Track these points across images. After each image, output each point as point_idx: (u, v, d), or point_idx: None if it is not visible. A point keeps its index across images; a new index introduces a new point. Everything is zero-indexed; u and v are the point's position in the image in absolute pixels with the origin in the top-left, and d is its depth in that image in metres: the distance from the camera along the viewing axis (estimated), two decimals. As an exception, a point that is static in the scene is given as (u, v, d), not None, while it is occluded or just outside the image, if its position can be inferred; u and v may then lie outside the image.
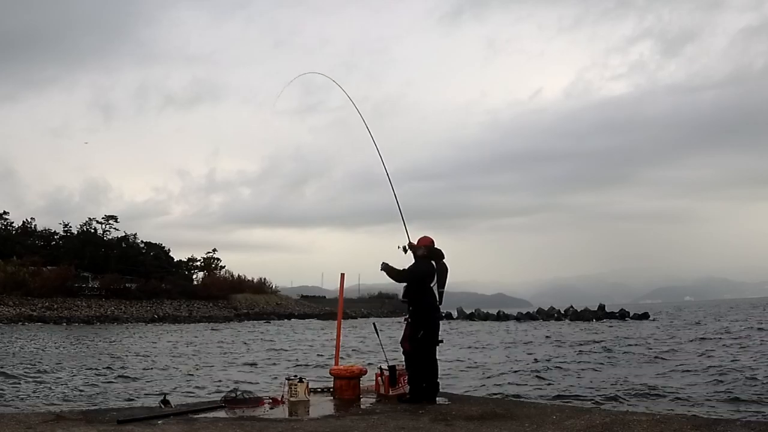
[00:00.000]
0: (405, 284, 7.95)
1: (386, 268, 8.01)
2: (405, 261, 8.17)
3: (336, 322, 9.76)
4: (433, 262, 7.91)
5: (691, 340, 24.45)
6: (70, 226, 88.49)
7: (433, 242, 8.04)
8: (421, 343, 7.70)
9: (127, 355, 21.51)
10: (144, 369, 16.68)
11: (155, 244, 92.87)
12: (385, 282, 8.16)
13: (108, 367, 16.84)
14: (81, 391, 12.29)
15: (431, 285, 7.83)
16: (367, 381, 8.56)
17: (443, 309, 8.61)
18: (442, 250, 8.04)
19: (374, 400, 8.04)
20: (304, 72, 9.74)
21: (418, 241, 8.10)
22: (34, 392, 12.02)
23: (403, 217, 8.51)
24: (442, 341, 8.05)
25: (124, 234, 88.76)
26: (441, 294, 7.90)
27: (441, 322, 8.32)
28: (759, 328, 30.39)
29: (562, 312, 60.18)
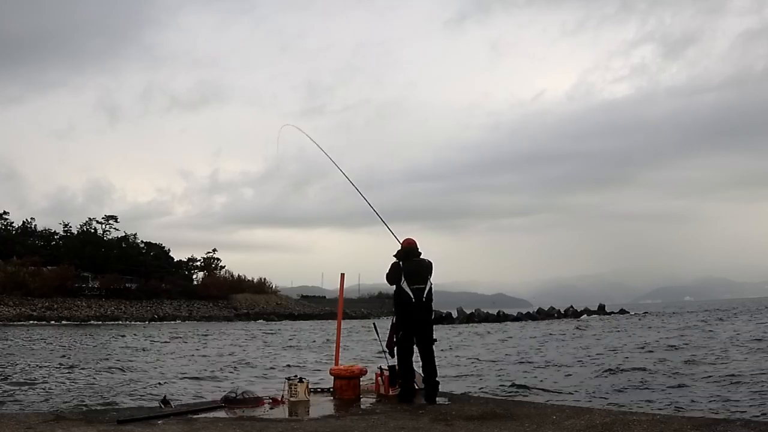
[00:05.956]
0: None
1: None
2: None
3: (336, 321, 9.77)
4: (401, 262, 7.87)
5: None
6: (70, 226, 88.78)
7: (410, 243, 8.01)
8: (400, 344, 7.78)
9: (125, 355, 21.51)
10: (142, 369, 16.67)
11: (155, 244, 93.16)
12: (385, 282, 8.16)
13: (107, 367, 16.83)
14: (81, 391, 12.27)
15: (401, 284, 7.76)
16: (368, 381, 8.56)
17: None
18: (416, 247, 7.97)
19: (374, 400, 8.04)
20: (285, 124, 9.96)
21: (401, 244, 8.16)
22: (33, 392, 12.00)
23: (384, 221, 8.60)
24: (437, 340, 8.01)
25: (124, 234, 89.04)
26: (419, 290, 7.72)
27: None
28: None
29: (562, 312, 60.22)
